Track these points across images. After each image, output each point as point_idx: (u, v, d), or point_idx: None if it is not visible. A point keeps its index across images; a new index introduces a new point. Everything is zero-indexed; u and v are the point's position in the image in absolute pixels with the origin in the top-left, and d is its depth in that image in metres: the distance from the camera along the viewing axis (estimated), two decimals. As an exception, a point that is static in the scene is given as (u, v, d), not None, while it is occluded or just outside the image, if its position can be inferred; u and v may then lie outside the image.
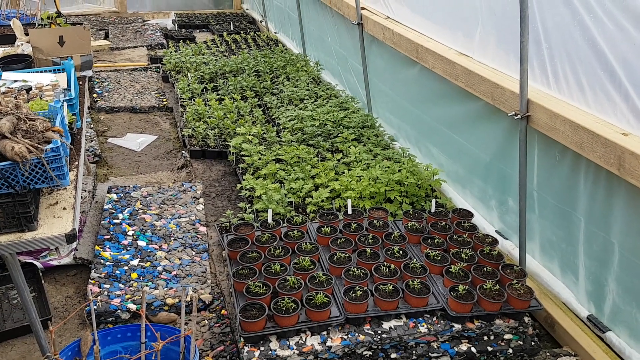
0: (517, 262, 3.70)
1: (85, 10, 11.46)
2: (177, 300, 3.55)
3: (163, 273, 3.83)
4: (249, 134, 5.46)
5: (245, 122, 5.82)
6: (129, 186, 4.94)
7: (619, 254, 2.99)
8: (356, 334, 3.12)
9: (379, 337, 3.11)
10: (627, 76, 2.75)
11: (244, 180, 4.72)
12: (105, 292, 3.57)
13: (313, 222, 4.14)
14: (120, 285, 3.67)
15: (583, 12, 2.93)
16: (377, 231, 3.87)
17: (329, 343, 3.07)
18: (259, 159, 5.01)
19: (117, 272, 3.78)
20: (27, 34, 4.70)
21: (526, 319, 3.31)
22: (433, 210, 4.13)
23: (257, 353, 2.99)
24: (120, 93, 7.35)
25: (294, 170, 4.78)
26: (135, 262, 3.91)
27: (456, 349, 3.17)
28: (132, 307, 3.46)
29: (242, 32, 10.17)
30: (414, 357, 3.15)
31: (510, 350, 3.21)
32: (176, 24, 10.81)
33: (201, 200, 4.80)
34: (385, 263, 3.50)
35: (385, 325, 3.20)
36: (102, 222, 4.33)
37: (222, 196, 5.00)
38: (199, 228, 4.40)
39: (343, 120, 5.67)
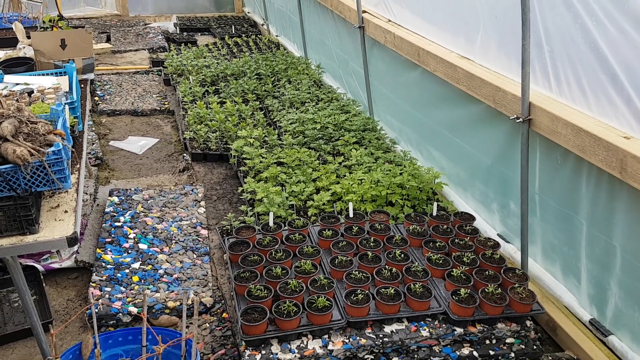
0: (519, 266, 3.70)
1: (87, 13, 11.49)
2: (178, 303, 3.55)
3: (164, 276, 3.83)
4: (251, 137, 5.46)
5: (246, 125, 5.82)
6: (130, 189, 4.94)
7: (621, 257, 2.98)
8: (358, 338, 3.11)
9: (381, 340, 3.11)
10: (629, 79, 2.75)
11: (245, 183, 4.72)
12: (107, 295, 3.56)
13: (314, 225, 4.13)
14: (122, 288, 3.66)
15: (584, 16, 2.93)
16: (379, 234, 3.86)
17: (330, 347, 3.06)
18: (260, 162, 5.01)
19: (119, 275, 3.78)
20: (29, 37, 4.71)
21: (528, 322, 3.30)
22: (435, 213, 4.13)
23: (258, 357, 2.98)
24: (122, 96, 7.36)
25: (295, 173, 4.78)
26: (136, 265, 3.91)
27: (458, 353, 3.16)
28: (133, 310, 3.46)
29: (243, 35, 10.18)
30: (416, 361, 3.15)
31: (513, 354, 3.20)
32: (178, 27, 10.83)
33: (202, 203, 4.80)
34: (386, 266, 3.49)
35: (387, 329, 3.19)
36: (104, 225, 4.33)
37: (224, 199, 5.00)
38: (200, 231, 4.39)
39: (344, 123, 5.68)
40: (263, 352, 3.02)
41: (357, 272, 3.43)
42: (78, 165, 3.05)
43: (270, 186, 4.50)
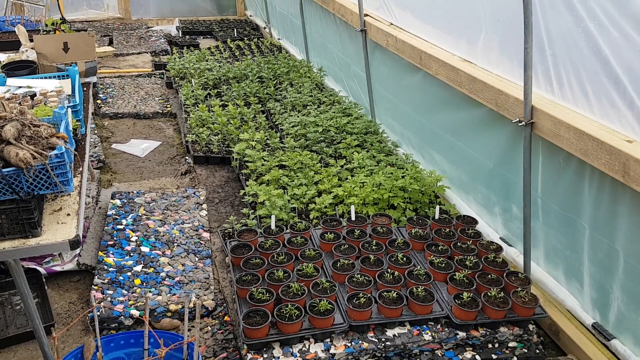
0: (522, 270, 3.69)
1: (89, 17, 11.51)
2: (180, 306, 3.55)
3: (166, 279, 3.83)
4: (253, 140, 5.47)
5: (248, 128, 5.82)
6: (132, 192, 4.94)
7: (623, 261, 2.98)
8: (360, 342, 3.11)
9: (383, 344, 3.10)
10: (631, 83, 2.75)
11: (247, 186, 4.72)
12: (109, 298, 3.56)
13: (316, 228, 4.13)
14: (124, 291, 3.66)
15: (587, 19, 2.93)
16: (381, 238, 3.86)
17: (332, 350, 3.05)
18: (262, 164, 5.01)
19: (121, 278, 3.78)
20: (31, 40, 4.72)
21: (531, 326, 3.29)
22: (437, 216, 4.12)
23: (260, 360, 2.98)
24: (124, 99, 7.37)
25: (297, 176, 4.78)
26: (138, 268, 3.91)
27: (460, 357, 3.16)
28: (135, 313, 3.46)
29: (245, 38, 10.20)
30: (418, 365, 3.14)
31: (515, 358, 3.19)
32: (180, 31, 10.85)
33: (204, 206, 4.80)
34: (389, 270, 3.49)
35: (389, 332, 3.18)
36: (106, 227, 4.33)
37: (226, 202, 5.00)
38: (202, 234, 4.39)
39: (346, 126, 5.68)
40: (265, 355, 3.01)
41: (359, 276, 3.43)
42: (80, 168, 3.06)
43: (272, 189, 4.50)
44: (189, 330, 3.40)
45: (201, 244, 4.27)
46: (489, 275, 3.47)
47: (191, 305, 3.55)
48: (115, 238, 4.21)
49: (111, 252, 4.05)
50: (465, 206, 4.47)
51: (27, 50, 4.63)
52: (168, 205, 4.75)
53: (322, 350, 3.05)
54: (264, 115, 6.38)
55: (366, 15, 5.70)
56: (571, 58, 3.12)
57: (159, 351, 2.64)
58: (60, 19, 5.87)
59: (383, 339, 3.13)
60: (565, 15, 3.07)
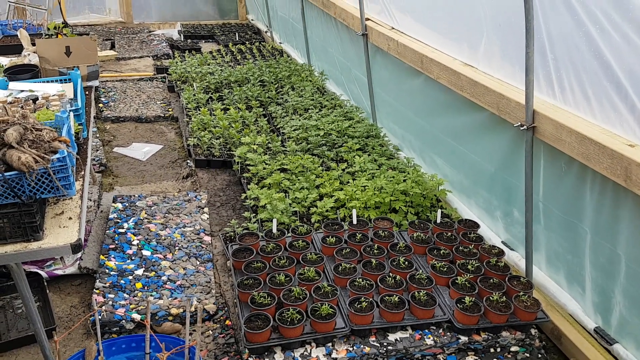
0: (524, 274, 3.68)
1: (91, 21, 11.54)
2: (181, 310, 3.54)
3: (167, 283, 3.83)
4: (254, 144, 5.47)
5: (250, 132, 5.83)
6: (134, 195, 4.95)
7: (625, 265, 2.97)
8: (361, 346, 3.10)
9: (385, 349, 3.09)
10: (633, 87, 2.75)
11: (248, 189, 4.72)
12: (110, 302, 3.56)
13: (318, 232, 4.13)
14: (125, 295, 3.66)
15: (588, 23, 2.93)
16: (383, 242, 3.86)
17: (334, 355, 3.05)
18: (264, 168, 5.01)
19: (122, 281, 3.77)
20: (33, 44, 4.73)
21: (533, 331, 3.28)
22: (439, 220, 4.12)
23: (261, 364, 2.97)
24: (126, 103, 7.39)
25: (298, 179, 4.78)
26: (139, 271, 3.91)
27: (462, 361, 3.15)
28: (137, 317, 3.45)
29: (247, 42, 10.22)
30: (420, 369, 3.13)
31: (517, 363, 3.19)
32: (182, 35, 10.87)
33: (206, 209, 4.80)
34: (390, 274, 3.48)
35: (391, 337, 3.18)
36: (107, 231, 4.33)
37: (227, 206, 5.00)
38: (203, 237, 4.39)
39: (348, 130, 5.68)
40: (266, 359, 3.01)
41: (360, 280, 3.42)
42: (82, 172, 3.06)
43: (273, 193, 4.50)
44: (191, 334, 3.40)
45: (202, 247, 4.27)
46: (491, 280, 3.46)
47: (192, 309, 3.55)
48: (116, 241, 4.21)
49: (112, 255, 4.05)
50: (467, 210, 4.47)
51: (29, 54, 4.65)
52: (169, 209, 4.75)
53: (323, 355, 3.05)
54: (266, 118, 6.38)
55: (367, 19, 5.71)
56: (572, 62, 3.12)
57: (161, 355, 2.64)
58: (63, 23, 5.88)
59: (385, 344, 3.12)
60: (567, 18, 3.07)
